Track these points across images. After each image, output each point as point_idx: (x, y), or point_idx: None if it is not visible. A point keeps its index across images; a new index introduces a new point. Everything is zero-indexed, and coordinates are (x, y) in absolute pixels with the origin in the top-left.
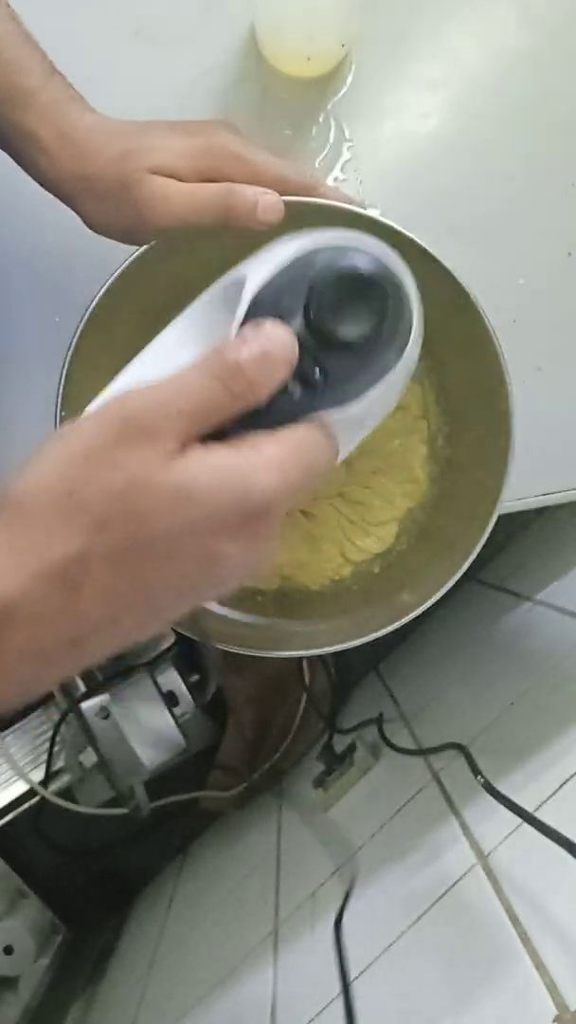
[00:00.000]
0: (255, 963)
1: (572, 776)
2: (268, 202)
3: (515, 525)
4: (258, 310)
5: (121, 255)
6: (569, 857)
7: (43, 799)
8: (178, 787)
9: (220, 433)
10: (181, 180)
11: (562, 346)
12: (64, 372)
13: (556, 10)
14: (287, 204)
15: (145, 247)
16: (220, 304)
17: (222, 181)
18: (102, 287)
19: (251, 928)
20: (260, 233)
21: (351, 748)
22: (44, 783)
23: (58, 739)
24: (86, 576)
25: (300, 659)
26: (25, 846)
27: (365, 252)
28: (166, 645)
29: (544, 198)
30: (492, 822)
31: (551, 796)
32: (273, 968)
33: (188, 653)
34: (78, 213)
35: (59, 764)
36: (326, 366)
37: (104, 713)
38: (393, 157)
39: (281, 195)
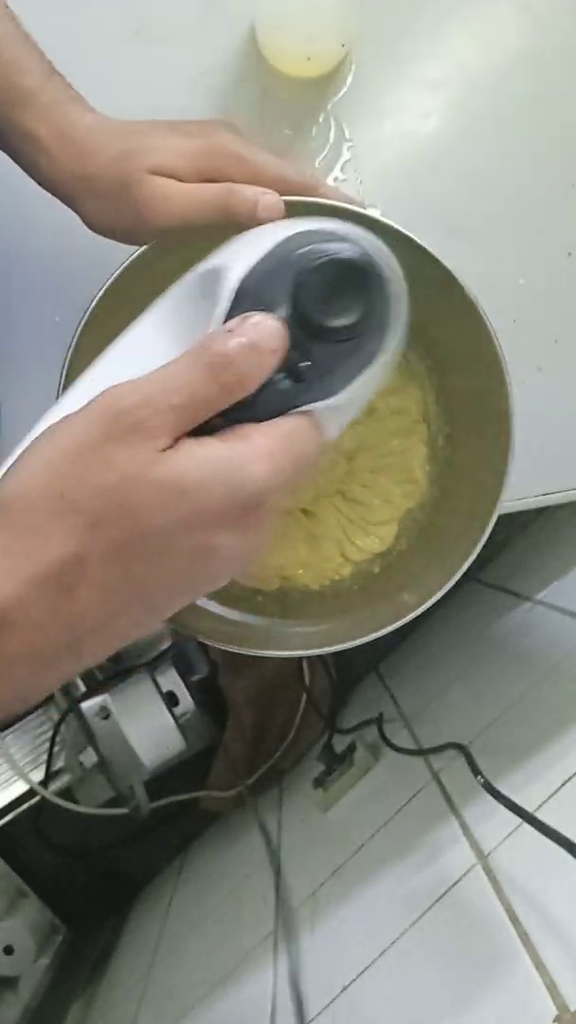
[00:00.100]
0: (255, 963)
1: (572, 776)
2: (268, 202)
3: (515, 525)
4: (241, 300)
5: (121, 255)
6: (569, 857)
7: (43, 799)
8: (178, 787)
9: (207, 425)
10: (181, 180)
11: (562, 346)
12: (64, 372)
13: (556, 10)
14: (287, 204)
15: (145, 247)
16: (197, 293)
17: (222, 181)
18: (102, 287)
19: (251, 928)
20: None
21: (351, 748)
22: (44, 783)
23: (58, 739)
24: (81, 578)
25: (300, 659)
26: (25, 846)
27: (347, 239)
28: (166, 645)
29: (544, 198)
30: (492, 822)
31: (551, 796)
32: (273, 968)
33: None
34: (78, 213)
35: (59, 764)
36: (312, 356)
37: (104, 713)
38: (393, 157)
39: (281, 195)
